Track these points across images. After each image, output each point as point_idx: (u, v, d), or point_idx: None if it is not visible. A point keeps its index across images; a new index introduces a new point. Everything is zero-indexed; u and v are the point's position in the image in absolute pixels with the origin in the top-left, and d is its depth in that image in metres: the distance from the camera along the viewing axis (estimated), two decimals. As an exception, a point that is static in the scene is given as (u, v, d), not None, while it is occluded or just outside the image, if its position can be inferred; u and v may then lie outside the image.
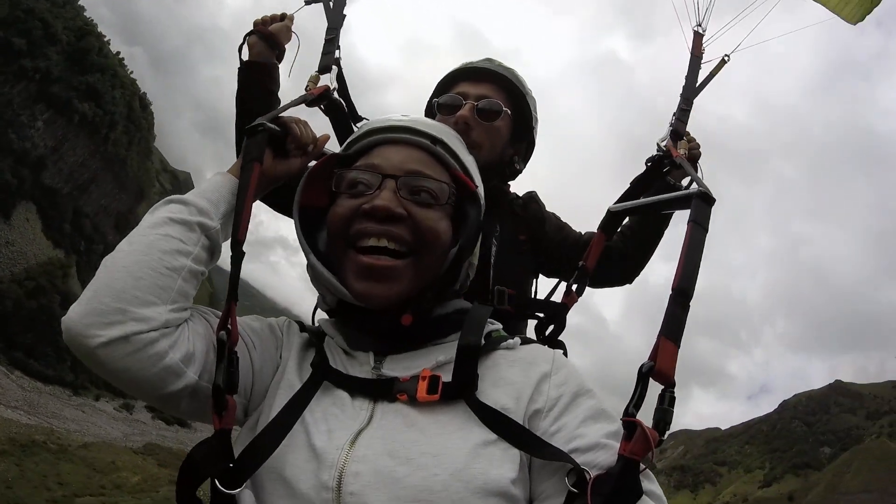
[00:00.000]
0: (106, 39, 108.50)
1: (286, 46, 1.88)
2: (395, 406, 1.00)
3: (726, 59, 2.12)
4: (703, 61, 2.09)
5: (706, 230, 1.16)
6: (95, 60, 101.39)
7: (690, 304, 1.04)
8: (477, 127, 1.79)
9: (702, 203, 1.19)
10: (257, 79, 1.81)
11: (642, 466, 0.89)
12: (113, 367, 0.95)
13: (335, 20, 1.88)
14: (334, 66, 1.72)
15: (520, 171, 2.03)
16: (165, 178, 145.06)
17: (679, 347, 1.01)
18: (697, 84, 2.03)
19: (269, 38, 1.83)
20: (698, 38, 2.13)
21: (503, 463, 0.93)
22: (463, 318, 1.12)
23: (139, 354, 0.95)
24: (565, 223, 2.10)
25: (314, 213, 1.17)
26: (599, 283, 2.05)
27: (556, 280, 1.88)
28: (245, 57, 1.84)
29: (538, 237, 1.96)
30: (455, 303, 1.17)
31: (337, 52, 1.77)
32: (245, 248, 1.04)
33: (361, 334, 1.12)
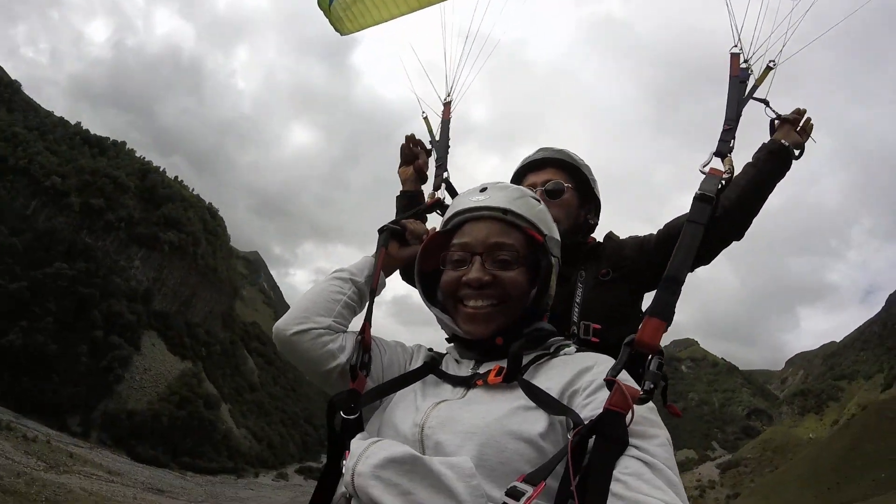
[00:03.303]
0: (140, 155, 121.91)
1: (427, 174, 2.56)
2: (474, 390, 1.46)
3: (771, 65, 2.11)
4: (744, 78, 2.10)
5: (703, 225, 1.54)
6: (163, 192, 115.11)
7: (681, 286, 1.40)
8: (550, 206, 1.95)
9: (699, 203, 1.60)
10: (407, 205, 2.47)
11: (639, 427, 1.17)
12: (299, 347, 1.66)
13: (442, 154, 2.56)
14: (443, 185, 2.42)
15: (595, 225, 2.42)
16: (241, 264, 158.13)
17: (668, 322, 1.32)
18: (744, 96, 2.06)
19: (420, 172, 2.54)
20: (735, 58, 2.15)
21: (536, 422, 1.28)
22: (539, 337, 1.56)
23: (314, 341, 1.65)
24: (645, 237, 2.30)
25: (430, 276, 1.71)
26: (707, 256, 2.18)
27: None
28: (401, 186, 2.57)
29: (621, 266, 2.22)
30: (537, 324, 1.59)
31: (445, 173, 2.46)
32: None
33: (469, 350, 1.61)
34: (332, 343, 1.66)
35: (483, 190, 1.65)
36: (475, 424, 1.30)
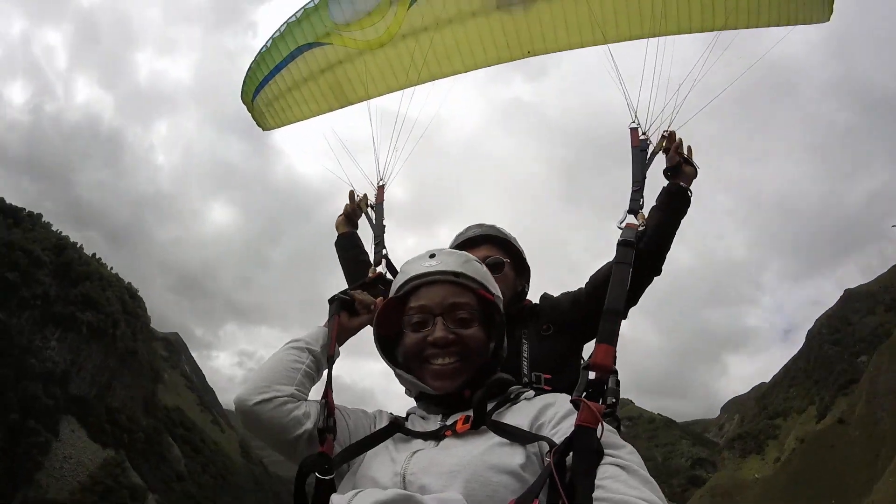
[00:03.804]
0: (56, 229, 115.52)
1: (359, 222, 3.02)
2: (446, 440, 1.53)
3: (665, 134, 2.44)
4: (644, 147, 2.46)
5: (629, 265, 1.89)
6: (80, 269, 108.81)
7: (621, 317, 1.72)
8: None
9: (623, 248, 1.96)
10: (346, 244, 2.93)
11: (609, 439, 1.32)
12: (263, 416, 1.67)
13: (379, 234, 2.89)
14: (383, 261, 2.73)
15: (527, 292, 2.66)
16: (160, 346, 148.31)
17: (614, 346, 1.60)
18: (646, 160, 2.43)
19: (348, 217, 2.98)
20: (634, 132, 2.51)
21: (514, 455, 1.38)
22: (500, 385, 1.68)
23: (278, 409, 1.67)
24: (576, 292, 2.50)
25: (388, 339, 1.80)
26: (633, 298, 2.35)
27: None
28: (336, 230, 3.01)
29: (559, 321, 2.42)
30: (497, 375, 1.69)
31: (384, 250, 2.78)
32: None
33: (437, 406, 1.68)
34: (296, 410, 1.69)
35: (432, 256, 1.78)
36: (457, 464, 1.38)
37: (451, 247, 2.54)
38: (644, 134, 2.51)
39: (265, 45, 3.50)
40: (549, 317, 2.47)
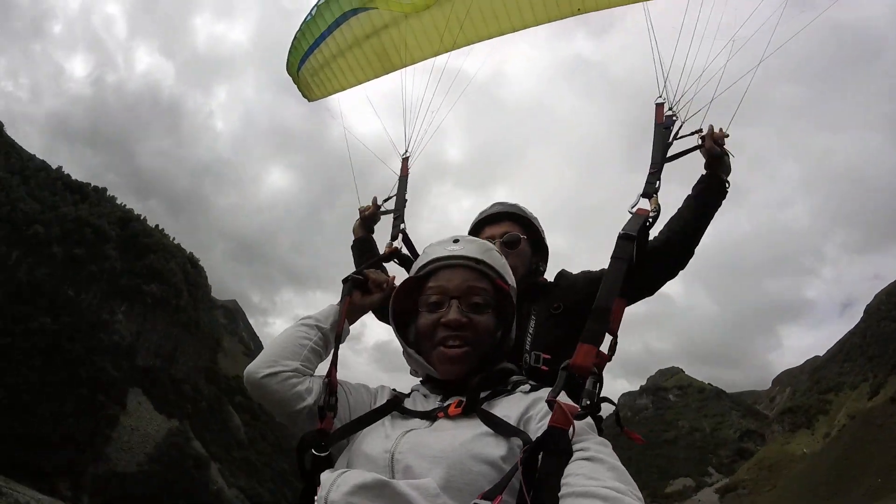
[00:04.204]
0: (121, 203, 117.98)
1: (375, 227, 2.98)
2: (438, 421, 1.59)
3: (699, 140, 2.32)
4: (668, 125, 2.33)
5: (625, 260, 1.82)
6: (145, 242, 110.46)
7: (609, 315, 1.69)
8: (508, 256, 2.20)
9: (623, 241, 1.89)
10: (359, 249, 2.92)
11: (582, 436, 1.34)
12: (269, 389, 1.76)
13: (399, 207, 2.81)
14: (400, 235, 2.71)
15: (544, 271, 2.66)
16: (220, 314, 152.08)
17: (596, 346, 1.60)
18: (669, 154, 2.27)
19: (365, 221, 2.95)
20: (659, 108, 2.39)
21: (497, 446, 1.43)
22: (503, 374, 1.73)
23: (283, 383, 1.76)
24: (597, 272, 2.41)
25: (404, 316, 1.84)
26: (650, 287, 2.38)
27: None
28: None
29: (573, 300, 2.36)
30: (500, 364, 1.76)
31: (403, 225, 2.74)
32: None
33: (439, 388, 1.74)
34: (300, 385, 1.77)
35: (456, 241, 1.81)
36: (442, 449, 1.43)
37: (474, 222, 2.64)
38: (671, 109, 2.37)
39: (310, 14, 3.45)
40: (562, 295, 2.42)
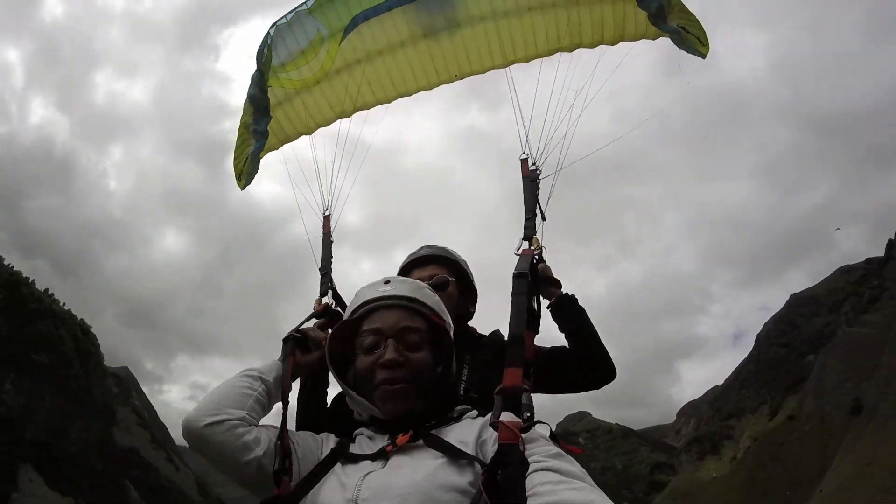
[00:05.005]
0: (8, 264, 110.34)
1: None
2: (393, 458, 1.57)
3: (540, 250, 2.49)
4: (534, 178, 2.61)
5: (524, 294, 1.96)
6: (33, 307, 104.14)
7: (523, 341, 1.79)
8: None
9: (517, 280, 2.03)
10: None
11: (535, 449, 1.38)
12: (213, 439, 1.64)
13: (326, 265, 2.78)
14: (329, 291, 2.65)
15: (473, 313, 2.70)
16: (112, 382, 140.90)
17: (521, 367, 1.66)
18: (534, 194, 2.58)
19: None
20: (524, 163, 2.65)
21: (460, 474, 1.44)
22: (446, 405, 1.74)
23: (228, 433, 1.65)
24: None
25: (339, 360, 1.82)
26: (584, 384, 2.47)
27: None
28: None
29: (500, 355, 2.22)
30: (444, 396, 1.75)
31: (331, 282, 2.68)
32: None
33: (385, 428, 1.70)
34: (247, 435, 1.67)
35: (387, 282, 1.84)
36: (407, 486, 1.42)
37: (402, 265, 2.71)
38: (534, 164, 2.68)
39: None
40: (495, 352, 2.38)
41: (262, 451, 1.66)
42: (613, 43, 3.07)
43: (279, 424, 1.76)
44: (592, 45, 3.10)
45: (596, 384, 2.45)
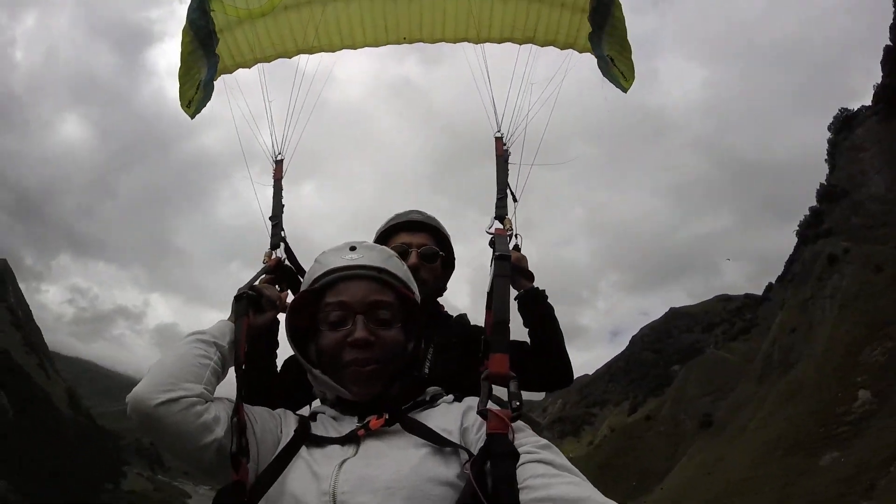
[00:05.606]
0: None
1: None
2: (366, 443, 1.43)
3: (514, 235, 2.42)
4: (507, 158, 2.57)
5: (508, 276, 1.91)
6: None
7: (509, 326, 1.70)
8: (422, 268, 2.26)
9: (500, 261, 1.98)
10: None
11: (523, 438, 1.34)
12: (168, 420, 1.38)
13: (277, 213, 2.59)
14: (281, 243, 2.46)
15: (445, 290, 2.59)
16: None
17: (508, 353, 1.59)
18: (506, 174, 2.54)
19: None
20: (498, 141, 2.61)
21: (448, 465, 1.36)
22: (417, 386, 1.64)
23: (185, 412, 1.39)
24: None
25: (301, 333, 1.63)
26: (539, 386, 2.34)
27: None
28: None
29: (467, 345, 2.24)
30: (414, 376, 1.66)
31: (282, 233, 2.49)
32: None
33: (353, 409, 1.55)
34: (206, 414, 1.43)
35: (353, 249, 1.64)
36: (392, 479, 1.30)
37: (388, 226, 2.50)
38: (506, 144, 2.63)
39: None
40: (460, 336, 2.34)
41: (223, 431, 1.43)
42: (563, 47, 3.09)
43: (233, 397, 1.52)
44: (544, 45, 3.11)
45: (549, 387, 2.38)
